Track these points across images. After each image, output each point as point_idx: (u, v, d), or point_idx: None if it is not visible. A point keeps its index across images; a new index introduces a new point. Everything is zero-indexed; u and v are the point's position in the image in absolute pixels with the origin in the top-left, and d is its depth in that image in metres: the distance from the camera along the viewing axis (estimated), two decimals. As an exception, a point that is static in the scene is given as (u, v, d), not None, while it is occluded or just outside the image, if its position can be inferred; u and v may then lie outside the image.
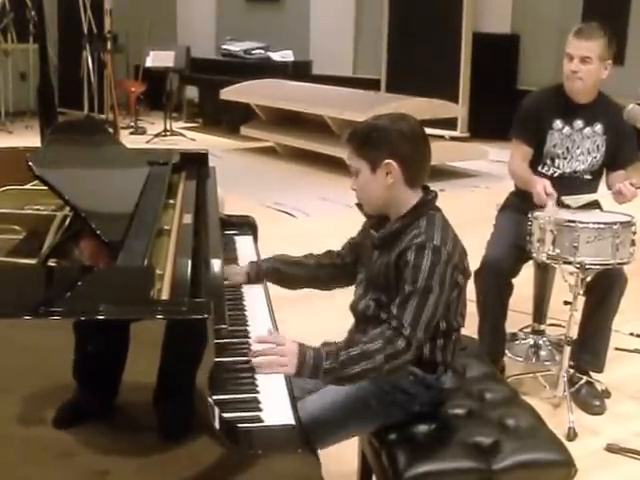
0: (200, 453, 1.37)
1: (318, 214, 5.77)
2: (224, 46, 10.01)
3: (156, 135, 8.70)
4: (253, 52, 9.71)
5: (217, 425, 1.38)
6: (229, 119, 9.18)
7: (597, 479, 2.49)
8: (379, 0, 9.27)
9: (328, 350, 1.68)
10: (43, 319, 1.32)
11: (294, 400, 1.61)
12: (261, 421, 1.51)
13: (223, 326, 1.57)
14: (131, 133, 9.12)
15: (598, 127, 3.08)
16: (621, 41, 7.31)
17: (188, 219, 2.03)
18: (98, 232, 1.62)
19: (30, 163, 1.62)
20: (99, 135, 2.45)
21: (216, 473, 1.38)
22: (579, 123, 3.08)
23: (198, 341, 1.35)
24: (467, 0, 8.42)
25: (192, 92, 10.46)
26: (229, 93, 8.54)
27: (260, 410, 1.54)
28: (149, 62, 8.89)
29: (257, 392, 1.60)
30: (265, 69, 9.13)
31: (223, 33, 10.60)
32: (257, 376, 1.65)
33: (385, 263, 1.83)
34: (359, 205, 1.95)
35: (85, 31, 8.95)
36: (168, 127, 8.86)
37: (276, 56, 9.54)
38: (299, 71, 9.23)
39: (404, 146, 1.81)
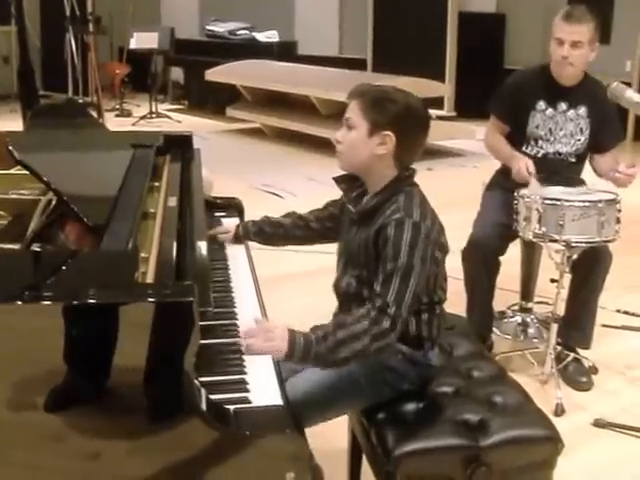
0: (188, 435, 1.37)
1: (305, 194, 5.75)
2: (208, 27, 9.94)
3: (142, 117, 8.66)
4: (238, 33, 9.64)
5: (204, 406, 1.38)
6: (215, 100, 9.14)
7: (585, 453, 2.52)
8: (364, -21, 9.23)
9: (317, 335, 1.68)
10: (25, 304, 1.31)
11: (282, 381, 1.61)
12: (249, 402, 1.51)
13: (209, 309, 1.57)
14: (117, 116, 9.07)
15: (582, 110, 3.07)
16: (607, 20, 7.32)
17: (173, 202, 2.02)
18: (81, 216, 1.61)
19: (10, 148, 1.60)
20: (81, 118, 2.43)
21: (204, 454, 1.38)
22: (563, 105, 3.07)
23: (183, 324, 1.34)
24: (453, -22, 8.40)
25: (177, 74, 10.40)
26: (214, 74, 8.49)
27: (248, 391, 1.54)
28: (133, 44, 8.82)
29: (245, 373, 1.61)
30: (250, 50, 9.09)
31: (207, 14, 10.52)
32: (245, 357, 1.65)
33: (364, 239, 1.83)
34: (337, 179, 1.95)
35: (67, 13, 8.86)
36: (154, 109, 8.81)
37: (261, 36, 9.48)
38: (284, 51, 9.19)
39: (408, 124, 1.81)
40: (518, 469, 1.82)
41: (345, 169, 1.92)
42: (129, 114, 9.13)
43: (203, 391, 1.41)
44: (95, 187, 1.91)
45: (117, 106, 9.36)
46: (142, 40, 8.75)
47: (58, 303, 1.30)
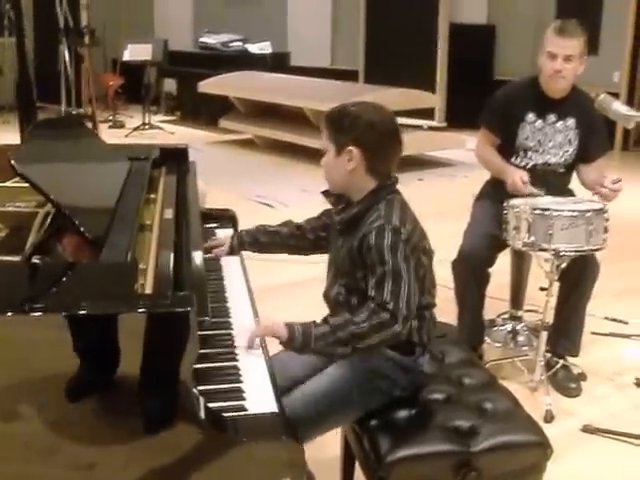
0: (186, 442, 1.39)
1: (298, 206, 5.79)
2: (202, 39, 9.99)
3: (135, 129, 8.68)
4: (231, 44, 9.69)
5: (202, 415, 1.41)
6: (207, 112, 9.17)
7: (573, 459, 2.56)
8: (356, -9, 9.30)
9: (314, 321, 1.76)
10: (27, 315, 1.34)
11: (277, 389, 1.65)
12: (245, 410, 1.54)
13: (206, 318, 1.60)
14: (110, 127, 9.09)
15: (570, 121, 3.12)
16: (595, 30, 7.40)
17: (169, 214, 2.06)
18: (82, 229, 1.64)
19: (12, 161, 1.64)
20: (79, 132, 2.46)
21: (201, 461, 1.41)
22: (552, 117, 3.11)
23: (181, 334, 1.37)
24: (443, -9, 8.49)
25: (170, 85, 10.43)
26: (207, 86, 8.53)
27: (244, 399, 1.57)
28: (126, 55, 8.86)
29: (241, 382, 1.64)
30: (243, 61, 9.13)
31: (200, 25, 10.58)
32: (240, 366, 1.68)
33: (348, 248, 1.89)
34: (325, 193, 2.01)
35: (61, 25, 8.88)
36: (147, 120, 8.84)
37: (254, 48, 9.53)
38: (277, 63, 9.24)
39: (370, 136, 1.86)
40: (508, 474, 1.86)
41: (333, 191, 2.00)
42: (122, 125, 9.16)
43: (201, 399, 1.44)
44: (93, 199, 1.94)
45: (110, 117, 9.38)
46: (135, 52, 8.79)
47: (59, 314, 1.33)
